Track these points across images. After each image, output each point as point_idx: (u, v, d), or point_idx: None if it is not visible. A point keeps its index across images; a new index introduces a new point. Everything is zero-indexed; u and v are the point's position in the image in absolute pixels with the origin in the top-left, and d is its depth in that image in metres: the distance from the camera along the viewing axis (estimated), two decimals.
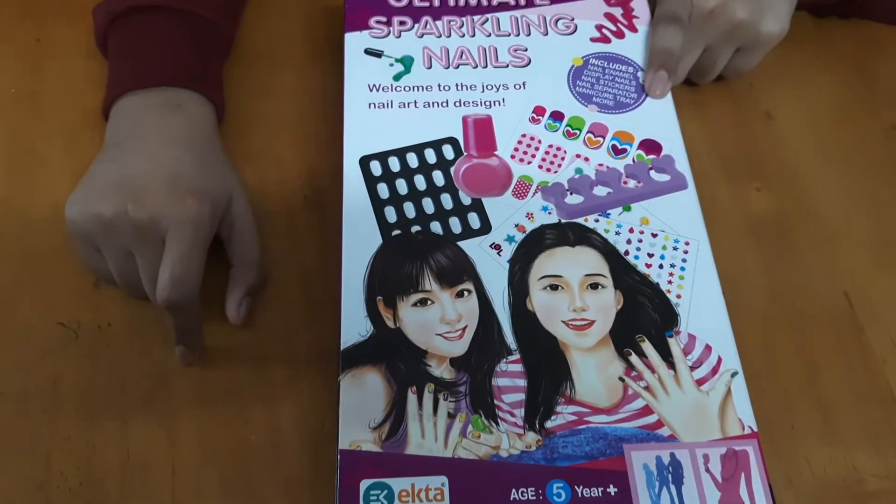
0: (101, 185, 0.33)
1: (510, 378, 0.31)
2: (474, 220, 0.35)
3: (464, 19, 0.42)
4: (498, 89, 0.39)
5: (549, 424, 0.30)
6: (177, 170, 0.34)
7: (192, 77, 0.39)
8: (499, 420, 0.30)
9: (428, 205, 0.35)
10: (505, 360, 0.31)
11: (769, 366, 0.36)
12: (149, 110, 0.37)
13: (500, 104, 0.38)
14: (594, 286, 0.33)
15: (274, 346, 0.35)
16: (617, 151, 0.37)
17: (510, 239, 0.34)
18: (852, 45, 0.48)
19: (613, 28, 0.42)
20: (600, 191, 0.36)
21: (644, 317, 0.32)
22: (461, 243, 0.34)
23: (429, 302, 0.32)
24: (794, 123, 0.44)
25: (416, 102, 0.38)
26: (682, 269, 0.34)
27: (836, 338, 0.37)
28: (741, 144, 0.44)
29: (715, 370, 0.31)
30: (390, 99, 0.38)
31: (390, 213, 0.35)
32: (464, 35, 0.41)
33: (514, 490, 0.28)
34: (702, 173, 0.41)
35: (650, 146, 0.38)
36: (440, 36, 0.41)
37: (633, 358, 0.31)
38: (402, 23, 0.41)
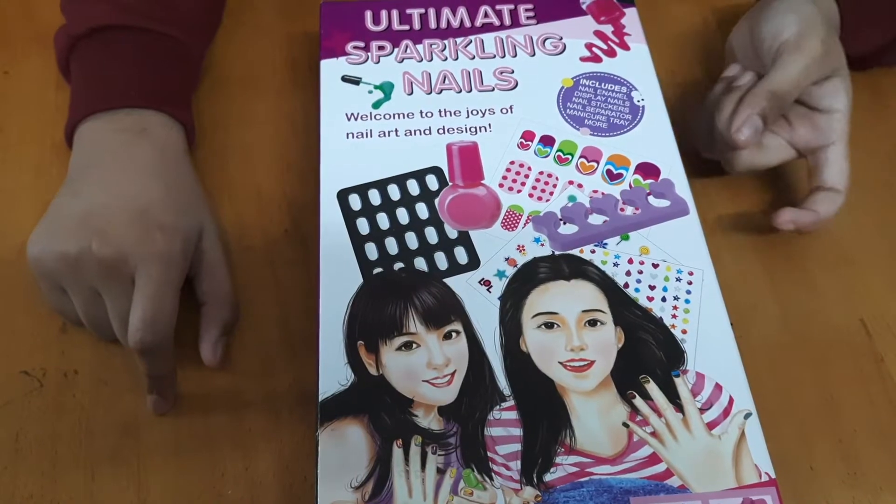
0: (63, 220, 0.33)
1: (504, 427, 0.29)
2: (461, 255, 0.34)
3: (446, 42, 0.41)
4: (484, 114, 0.38)
5: (548, 478, 0.28)
6: (144, 202, 0.33)
7: (159, 97, 0.38)
8: (493, 474, 0.28)
9: (411, 240, 0.34)
10: (498, 407, 0.30)
11: (783, 401, 0.35)
12: (113, 135, 0.36)
13: (486, 130, 0.38)
14: (592, 323, 0.32)
15: (252, 391, 0.34)
16: (612, 177, 0.36)
17: (500, 274, 0.33)
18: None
19: (604, 46, 0.41)
20: (596, 219, 0.35)
21: (648, 355, 0.31)
22: (448, 280, 0.33)
23: (414, 345, 0.31)
24: None
25: (396, 131, 0.37)
26: (687, 301, 0.33)
27: (853, 369, 0.36)
28: None
29: (727, 412, 0.30)
30: (369, 128, 0.38)
31: (371, 250, 0.34)
32: (446, 58, 0.40)
33: None
34: (703, 195, 0.40)
35: (648, 170, 0.37)
36: (421, 60, 0.40)
37: (638, 401, 0.30)
38: (380, 47, 0.41)
